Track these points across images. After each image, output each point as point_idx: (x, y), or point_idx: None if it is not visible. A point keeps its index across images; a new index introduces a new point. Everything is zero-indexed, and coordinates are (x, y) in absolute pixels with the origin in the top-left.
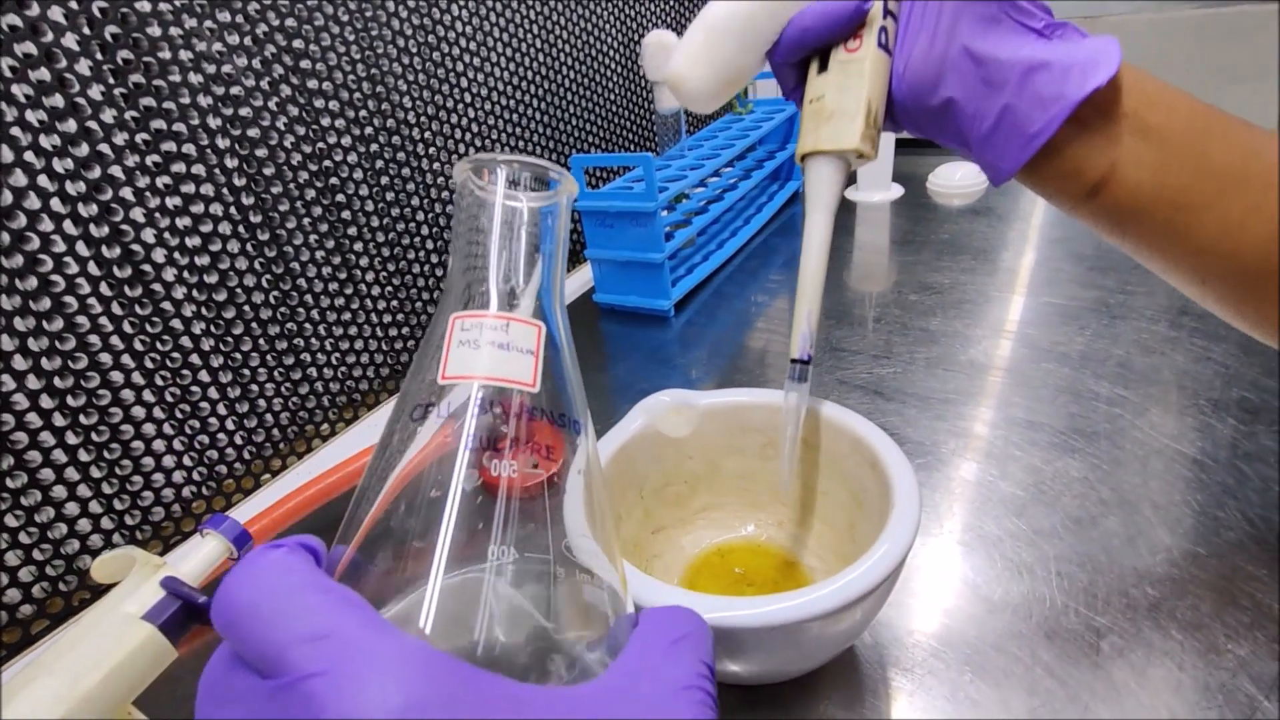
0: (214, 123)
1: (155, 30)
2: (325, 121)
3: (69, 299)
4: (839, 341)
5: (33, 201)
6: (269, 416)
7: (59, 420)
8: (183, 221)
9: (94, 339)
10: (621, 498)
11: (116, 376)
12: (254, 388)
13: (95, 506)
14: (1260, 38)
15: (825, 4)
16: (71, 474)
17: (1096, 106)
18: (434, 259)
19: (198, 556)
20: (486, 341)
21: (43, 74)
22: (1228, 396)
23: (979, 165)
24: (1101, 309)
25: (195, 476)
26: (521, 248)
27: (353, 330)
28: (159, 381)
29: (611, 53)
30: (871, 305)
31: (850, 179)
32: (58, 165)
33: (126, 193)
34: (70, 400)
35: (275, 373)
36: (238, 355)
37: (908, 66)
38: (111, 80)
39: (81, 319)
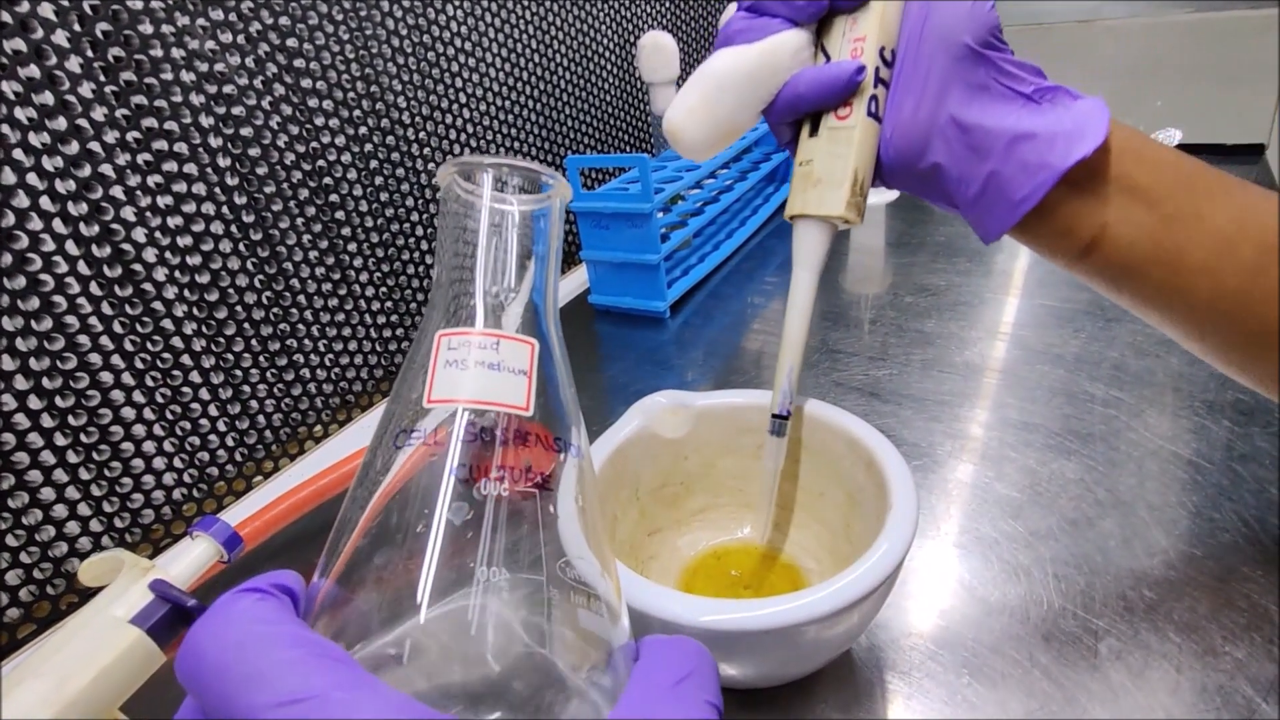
0: (206, 122)
1: (147, 28)
2: (319, 121)
3: (58, 299)
4: (835, 343)
5: (21, 200)
6: (261, 418)
7: (47, 421)
8: (174, 221)
9: (83, 339)
10: (617, 499)
11: (106, 377)
12: (246, 389)
13: (84, 509)
14: (1255, 41)
15: (819, 71)
16: (60, 476)
17: (1086, 169)
18: (428, 260)
19: (187, 559)
20: (475, 361)
21: (32, 71)
22: (1222, 398)
23: (969, 223)
24: (1096, 311)
25: (186, 478)
26: (512, 256)
27: (346, 331)
28: (149, 382)
29: (607, 54)
30: (867, 307)
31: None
32: (47, 164)
33: (117, 192)
34: (59, 401)
35: (268, 373)
36: (229, 356)
37: (895, 132)
38: (102, 78)
39: (71, 319)
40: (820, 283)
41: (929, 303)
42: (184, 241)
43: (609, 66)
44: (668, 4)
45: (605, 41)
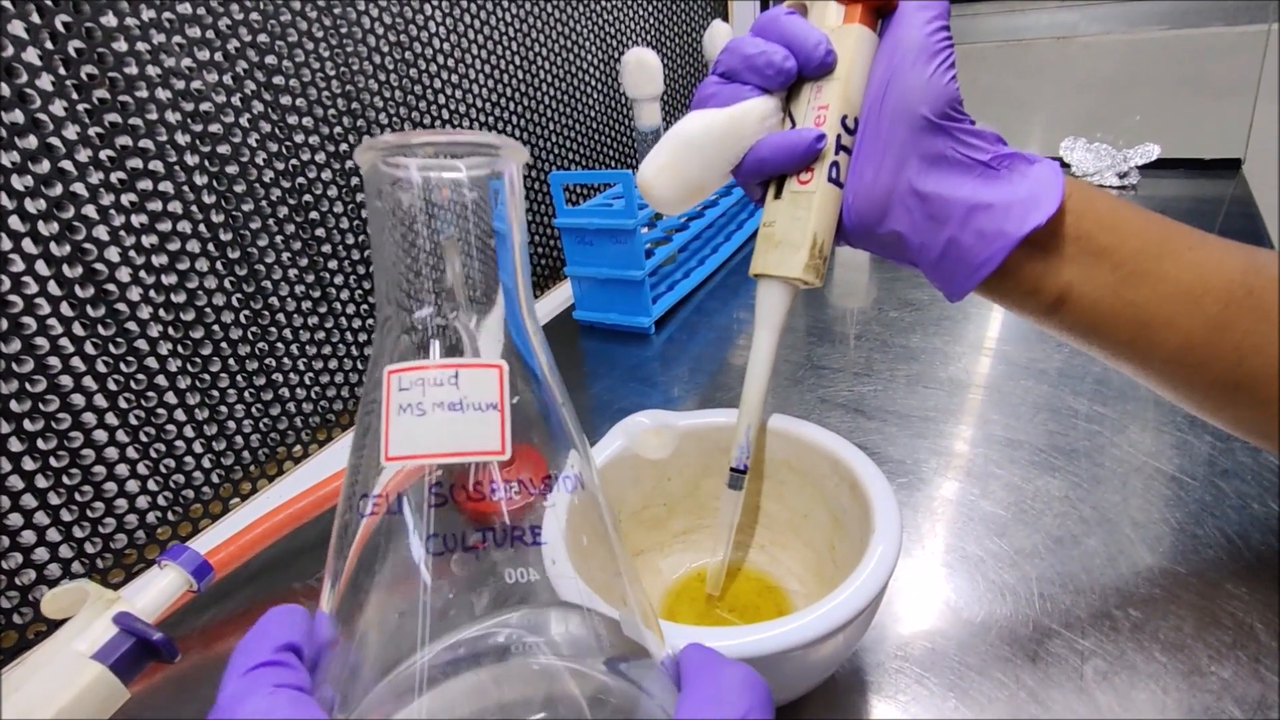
0: (182, 139)
1: (121, 46)
2: (299, 138)
3: (27, 319)
4: (820, 359)
5: None
6: (239, 438)
7: (15, 445)
8: (149, 240)
9: (54, 360)
10: None
11: (77, 399)
12: (223, 409)
13: (53, 534)
14: (1231, 58)
15: (782, 137)
16: (28, 501)
17: (1046, 232)
18: None
19: (155, 589)
20: (432, 404)
21: (2, 90)
22: None
23: (932, 284)
24: None
25: (161, 501)
26: (471, 246)
27: (326, 349)
28: (123, 404)
29: (591, 70)
30: (853, 322)
31: None
32: (17, 183)
33: (90, 210)
34: (28, 425)
35: (245, 393)
36: (206, 376)
37: (856, 198)
38: (75, 96)
39: (41, 340)
40: (805, 298)
41: (913, 317)
42: (159, 260)
43: (593, 83)
44: (651, 21)
45: (589, 58)
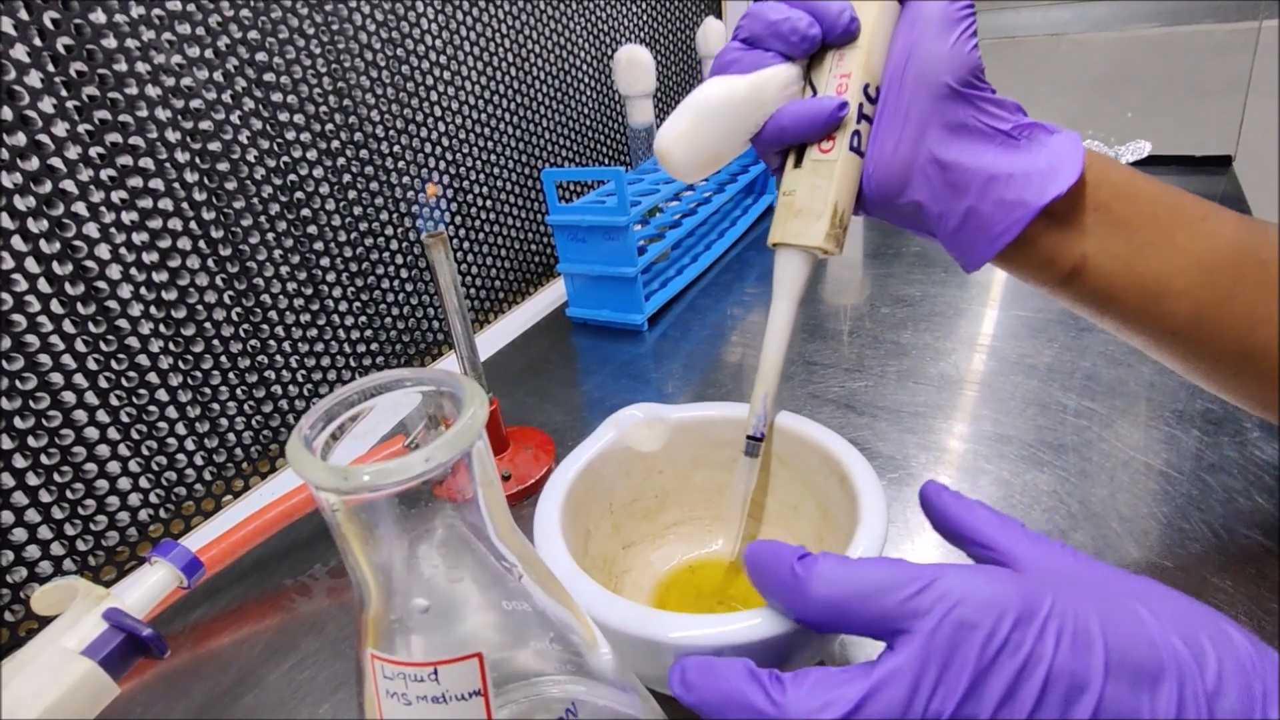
0: (173, 136)
1: (111, 42)
2: (290, 135)
3: (17, 317)
4: (811, 355)
5: None
6: (231, 435)
7: (6, 443)
8: (140, 237)
9: (44, 358)
10: (590, 513)
11: (68, 397)
12: (215, 406)
13: (44, 532)
14: (1222, 56)
15: (804, 105)
16: (19, 499)
17: (1065, 202)
18: (402, 274)
19: (144, 586)
20: (416, 697)
21: None
22: (1192, 408)
23: (950, 253)
24: (1069, 321)
25: (152, 499)
26: (433, 543)
27: (319, 346)
28: (114, 401)
29: (584, 67)
30: (845, 318)
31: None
32: (6, 180)
33: (80, 207)
34: (18, 422)
35: (237, 390)
36: (198, 373)
37: (876, 167)
38: (64, 93)
39: (31, 338)
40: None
41: (905, 314)
42: (150, 257)
43: (585, 80)
44: (644, 18)
45: (582, 55)
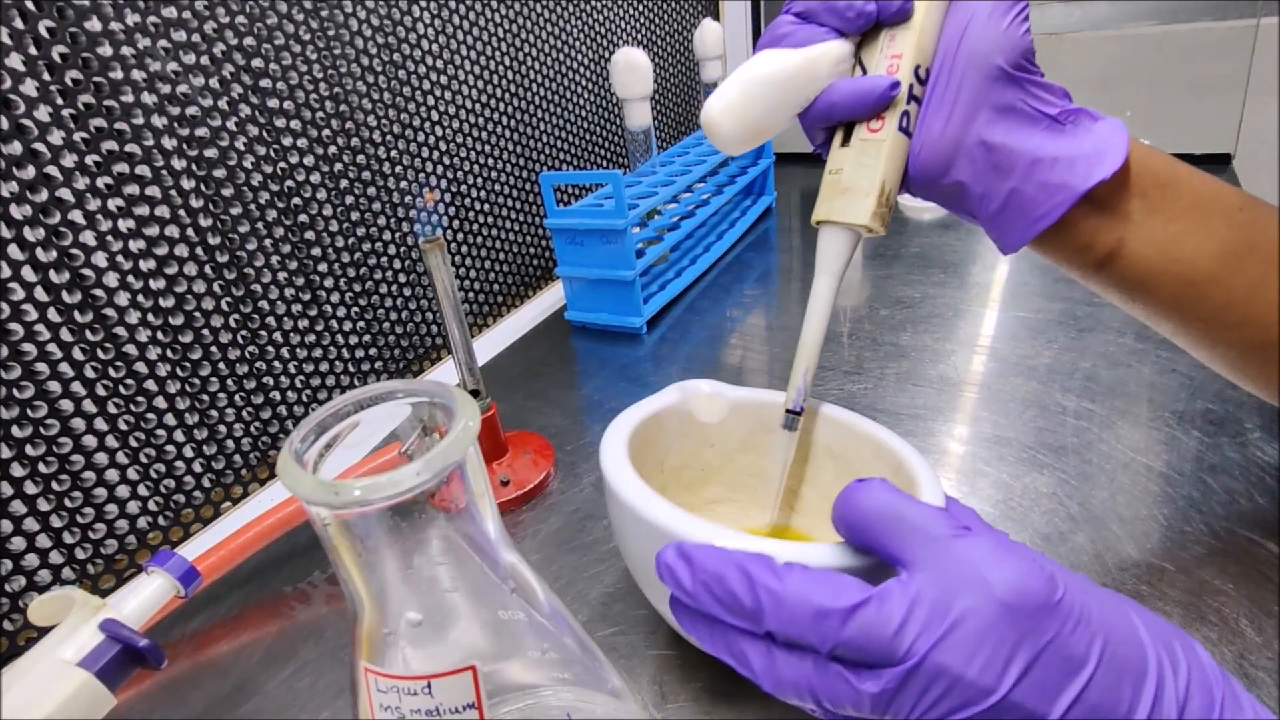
0: (169, 144)
1: (106, 50)
2: (287, 141)
3: (14, 326)
4: None
5: None
6: (229, 442)
7: (4, 452)
8: (137, 245)
9: (42, 367)
10: (644, 462)
11: (66, 405)
12: (213, 413)
13: (43, 540)
14: (1222, 54)
15: (856, 83)
16: (18, 507)
17: (1106, 188)
18: (400, 279)
19: (141, 596)
20: (410, 710)
21: None
22: (1192, 408)
23: (988, 235)
24: (1069, 321)
25: (151, 506)
26: (429, 558)
27: (317, 352)
28: (112, 409)
29: (581, 70)
30: (844, 320)
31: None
32: (2, 189)
33: (76, 216)
34: (16, 431)
35: (236, 397)
36: (196, 380)
37: (924, 148)
38: (60, 101)
39: (28, 347)
40: (797, 297)
41: (904, 315)
42: (147, 265)
43: (583, 83)
44: (641, 21)
45: (579, 58)
